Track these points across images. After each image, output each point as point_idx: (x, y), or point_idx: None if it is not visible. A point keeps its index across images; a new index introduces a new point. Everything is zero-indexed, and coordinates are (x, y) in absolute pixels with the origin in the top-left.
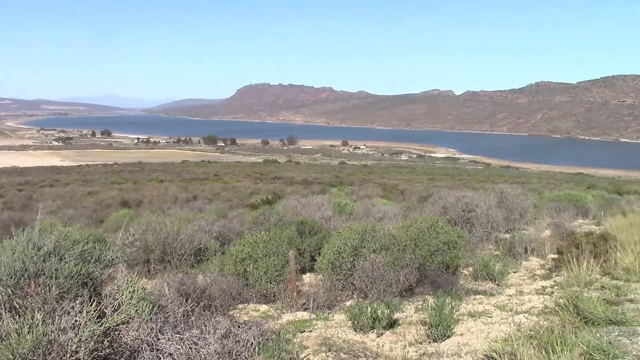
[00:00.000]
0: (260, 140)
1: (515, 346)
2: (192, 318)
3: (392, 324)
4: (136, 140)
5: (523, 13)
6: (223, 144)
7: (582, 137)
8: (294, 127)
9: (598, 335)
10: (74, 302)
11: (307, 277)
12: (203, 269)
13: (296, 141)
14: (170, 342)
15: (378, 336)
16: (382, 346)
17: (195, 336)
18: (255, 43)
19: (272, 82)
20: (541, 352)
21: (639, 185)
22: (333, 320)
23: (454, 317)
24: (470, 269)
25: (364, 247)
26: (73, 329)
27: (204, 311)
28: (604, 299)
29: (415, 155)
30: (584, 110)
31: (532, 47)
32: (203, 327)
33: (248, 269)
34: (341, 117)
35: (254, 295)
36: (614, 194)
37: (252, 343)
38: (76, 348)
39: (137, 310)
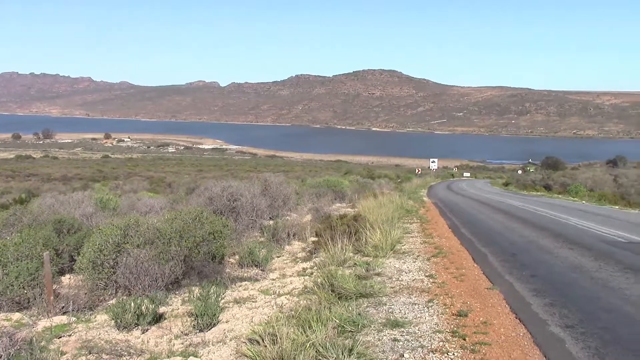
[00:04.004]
0: (10, 135)
1: (276, 327)
2: None
3: (158, 319)
4: None
5: (281, 10)
6: None
7: (339, 127)
8: (50, 119)
9: (350, 308)
10: None
11: (67, 279)
12: None
13: (53, 135)
14: None
15: (143, 332)
16: (148, 342)
17: None
18: None
19: (22, 71)
20: (299, 330)
21: (389, 170)
22: (95, 321)
23: (220, 305)
24: (237, 257)
25: (128, 242)
26: None
27: None
28: (356, 275)
29: (182, 147)
30: (340, 102)
31: (291, 41)
32: None
33: None
34: (102, 109)
35: (4, 303)
36: (367, 178)
37: (0, 355)
38: None
39: None
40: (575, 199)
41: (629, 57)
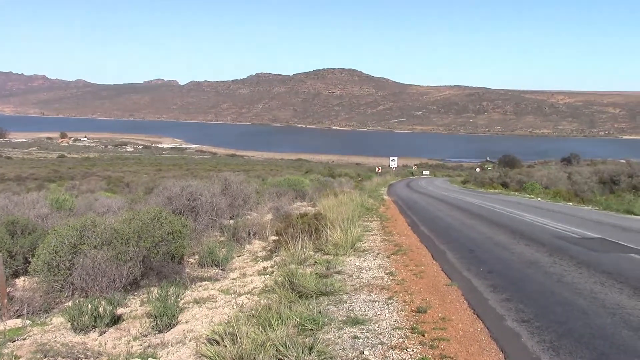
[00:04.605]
0: None
1: (236, 327)
2: None
3: (116, 320)
4: None
5: (241, 8)
6: None
7: (300, 125)
8: (3, 118)
9: (310, 307)
10: None
11: (21, 281)
12: None
13: (6, 134)
14: None
15: (101, 334)
16: (105, 344)
17: None
18: None
19: None
20: (259, 329)
21: (349, 168)
22: (51, 324)
23: (179, 305)
24: (197, 256)
25: (84, 243)
26: None
27: None
28: (316, 273)
29: (141, 146)
30: (300, 101)
31: (251, 39)
32: None
33: None
34: (58, 108)
35: None
36: (328, 177)
37: None
38: None
39: None
40: (531, 196)
41: (582, 58)
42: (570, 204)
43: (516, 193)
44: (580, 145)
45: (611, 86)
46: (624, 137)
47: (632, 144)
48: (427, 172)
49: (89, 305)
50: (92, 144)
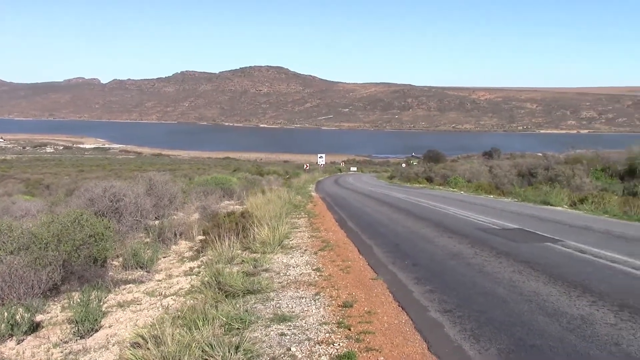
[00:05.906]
0: None
1: (160, 329)
2: None
3: (35, 328)
4: None
5: (164, 4)
6: None
7: (227, 124)
8: None
9: (237, 305)
10: None
11: None
12: None
13: None
14: None
15: (18, 343)
16: (23, 353)
17: None
18: None
19: None
20: (185, 330)
21: (277, 166)
22: None
23: (102, 310)
24: (121, 259)
25: (0, 249)
26: None
27: None
28: (244, 272)
29: (62, 147)
30: (227, 99)
31: (175, 36)
32: None
33: None
34: None
35: None
36: (256, 175)
37: None
38: None
39: None
40: (455, 189)
41: (500, 55)
42: (492, 196)
43: (440, 187)
44: (500, 140)
45: (528, 83)
46: (541, 131)
47: (548, 138)
48: (355, 169)
49: (5, 313)
50: (8, 145)
